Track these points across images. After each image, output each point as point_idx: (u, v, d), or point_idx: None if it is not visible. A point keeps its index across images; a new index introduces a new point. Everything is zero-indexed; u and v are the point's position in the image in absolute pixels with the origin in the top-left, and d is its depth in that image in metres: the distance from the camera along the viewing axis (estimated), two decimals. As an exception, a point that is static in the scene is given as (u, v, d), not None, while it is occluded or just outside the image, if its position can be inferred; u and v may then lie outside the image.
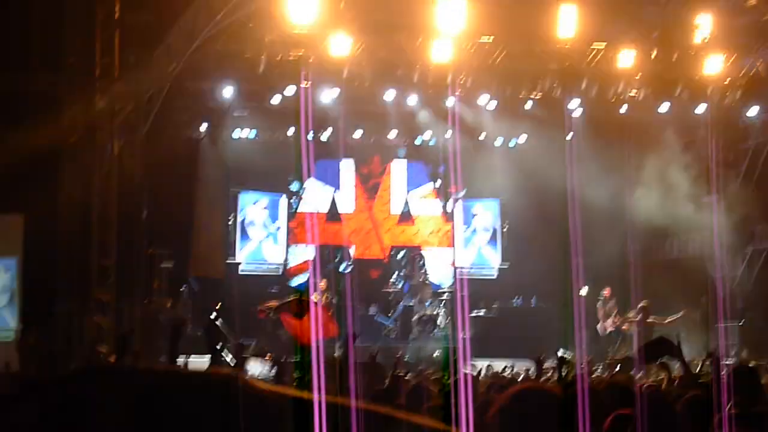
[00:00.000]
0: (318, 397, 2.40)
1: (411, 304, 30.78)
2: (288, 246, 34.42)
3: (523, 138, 33.38)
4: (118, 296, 24.30)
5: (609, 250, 31.85)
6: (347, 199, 35.27)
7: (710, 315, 30.40)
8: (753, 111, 28.86)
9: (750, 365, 17.15)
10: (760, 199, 29.32)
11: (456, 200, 35.66)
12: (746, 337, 28.48)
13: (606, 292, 30.38)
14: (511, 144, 33.77)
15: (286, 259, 33.96)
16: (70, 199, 23.74)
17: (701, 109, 29.33)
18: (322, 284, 29.01)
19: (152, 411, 1.60)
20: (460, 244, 35.73)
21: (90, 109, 24.12)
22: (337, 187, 35.12)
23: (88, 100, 24.12)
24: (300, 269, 33.92)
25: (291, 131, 32.48)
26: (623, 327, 28.32)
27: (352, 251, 34.86)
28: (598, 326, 30.01)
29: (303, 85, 27.33)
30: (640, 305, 25.38)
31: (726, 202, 29.64)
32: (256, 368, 18.57)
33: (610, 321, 29.63)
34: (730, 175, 30.58)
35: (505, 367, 21.62)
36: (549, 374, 19.06)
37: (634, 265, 34.72)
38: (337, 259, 34.35)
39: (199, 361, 20.96)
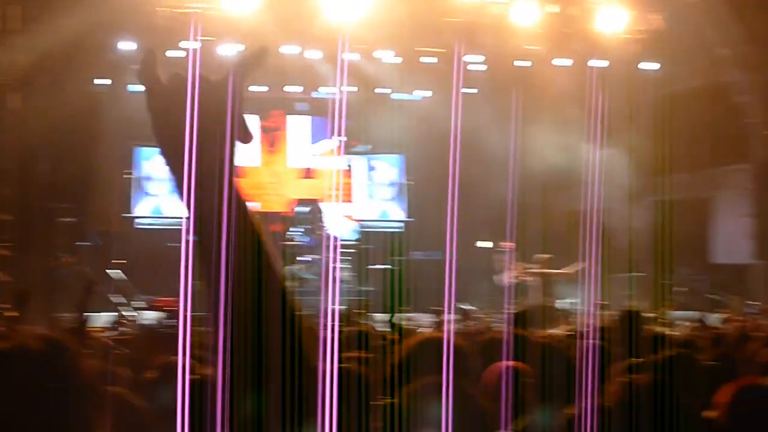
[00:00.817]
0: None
1: (315, 257, 30.78)
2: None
3: (427, 93, 33.41)
4: (17, 251, 24.03)
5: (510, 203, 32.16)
6: (251, 154, 35.14)
7: (608, 266, 30.91)
8: (652, 65, 29.22)
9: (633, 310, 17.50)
10: (656, 151, 29.71)
11: (358, 154, 35.72)
12: (641, 288, 28.93)
13: (505, 244, 30.70)
14: (415, 98, 33.80)
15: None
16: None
17: (600, 63, 29.61)
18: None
19: None
20: (363, 198, 35.83)
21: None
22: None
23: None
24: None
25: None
26: (522, 278, 28.64)
27: (254, 205, 34.76)
28: (495, 278, 30.36)
29: (194, 42, 27.13)
30: (538, 257, 25.66)
31: (622, 155, 30.03)
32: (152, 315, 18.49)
33: (508, 273, 29.97)
34: (627, 128, 30.96)
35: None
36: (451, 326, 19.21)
37: (515, 214, 35.21)
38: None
39: (102, 317, 20.83)
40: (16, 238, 24.11)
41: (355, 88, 33.03)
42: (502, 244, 30.79)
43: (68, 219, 28.15)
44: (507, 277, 29.98)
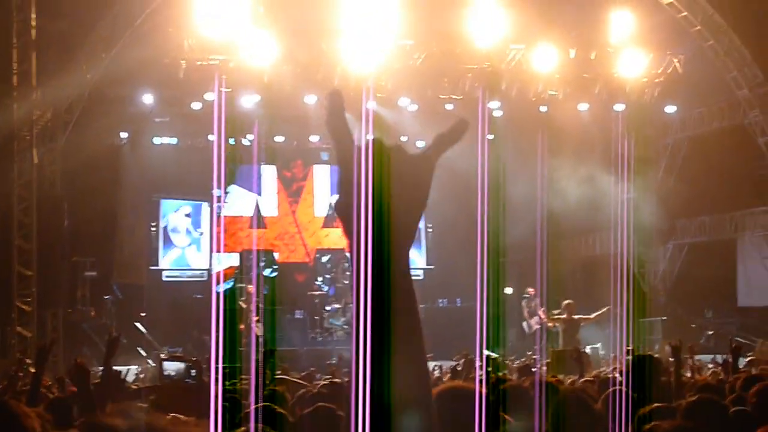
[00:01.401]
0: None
1: (337, 306, 30.69)
2: (212, 252, 34.31)
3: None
4: (40, 306, 24.04)
5: (532, 248, 32.09)
6: (270, 204, 35.21)
7: (634, 310, 30.76)
8: (671, 108, 29.20)
9: (649, 354, 17.39)
10: (679, 194, 29.66)
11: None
12: (669, 331, 28.78)
13: (531, 290, 30.64)
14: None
15: (210, 265, 33.85)
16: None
17: (620, 107, 29.60)
18: (250, 288, 28.99)
19: None
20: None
21: (8, 117, 23.85)
22: (259, 192, 35.06)
23: (6, 108, 23.84)
24: (226, 275, 33.78)
25: (212, 137, 32.36)
26: (549, 324, 28.47)
27: (276, 256, 34.81)
28: (524, 324, 30.24)
29: (221, 89, 27.20)
30: (564, 302, 25.55)
31: (647, 199, 29.95)
32: (173, 368, 18.34)
33: (535, 319, 29.84)
34: (650, 171, 30.92)
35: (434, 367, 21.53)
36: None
37: (544, 261, 35.08)
38: (262, 264, 34.26)
39: (125, 369, 20.80)
40: (41, 292, 24.12)
41: (375, 136, 33.04)
42: (528, 290, 30.73)
43: (92, 273, 28.20)
44: (535, 323, 29.90)
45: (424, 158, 2.54)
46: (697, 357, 23.91)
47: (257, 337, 22.94)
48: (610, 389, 7.60)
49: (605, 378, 11.82)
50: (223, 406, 6.39)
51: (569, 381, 12.50)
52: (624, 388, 9.84)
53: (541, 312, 29.59)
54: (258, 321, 26.79)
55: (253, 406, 7.25)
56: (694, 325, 30.80)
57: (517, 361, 21.50)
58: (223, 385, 9.31)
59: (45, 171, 25.17)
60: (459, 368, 19.97)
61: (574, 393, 7.90)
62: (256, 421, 6.71)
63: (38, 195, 24.56)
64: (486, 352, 26.16)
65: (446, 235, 33.95)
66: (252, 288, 29.20)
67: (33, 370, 12.03)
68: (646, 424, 6.07)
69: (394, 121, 31.79)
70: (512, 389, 8.62)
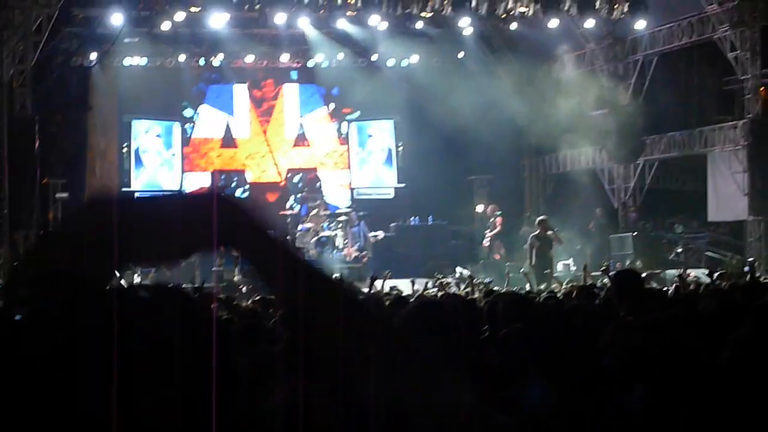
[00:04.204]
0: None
1: (308, 226, 30.73)
2: (183, 172, 34.31)
3: (414, 58, 33.37)
4: (12, 228, 24.01)
5: (503, 165, 32.30)
6: (241, 124, 35.15)
7: (604, 226, 31.01)
8: (641, 24, 29.17)
9: (632, 269, 17.60)
10: (649, 110, 29.73)
11: (350, 122, 35.77)
12: (639, 247, 29.01)
13: (488, 208, 30.82)
14: (404, 65, 33.72)
15: (181, 186, 33.82)
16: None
17: (590, 23, 29.56)
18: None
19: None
20: (356, 165, 35.86)
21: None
22: (230, 112, 34.99)
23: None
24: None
25: (182, 57, 32.21)
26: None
27: (248, 176, 34.83)
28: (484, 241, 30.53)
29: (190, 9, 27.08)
30: (538, 219, 25.64)
31: (616, 115, 30.01)
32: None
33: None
34: (619, 88, 30.98)
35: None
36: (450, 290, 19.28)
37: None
38: (233, 184, 34.29)
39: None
40: (12, 214, 24.08)
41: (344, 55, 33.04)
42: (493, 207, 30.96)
43: (63, 194, 28.12)
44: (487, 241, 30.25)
45: None
46: (668, 271, 24.21)
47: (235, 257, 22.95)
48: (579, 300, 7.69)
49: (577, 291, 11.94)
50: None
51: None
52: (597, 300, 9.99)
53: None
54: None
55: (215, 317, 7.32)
56: (664, 241, 31.05)
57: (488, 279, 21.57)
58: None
59: (15, 93, 25.00)
60: (432, 286, 20.16)
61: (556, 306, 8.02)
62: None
63: (8, 117, 24.42)
64: (458, 270, 26.45)
65: (416, 153, 34.00)
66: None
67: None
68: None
69: (364, 40, 31.73)
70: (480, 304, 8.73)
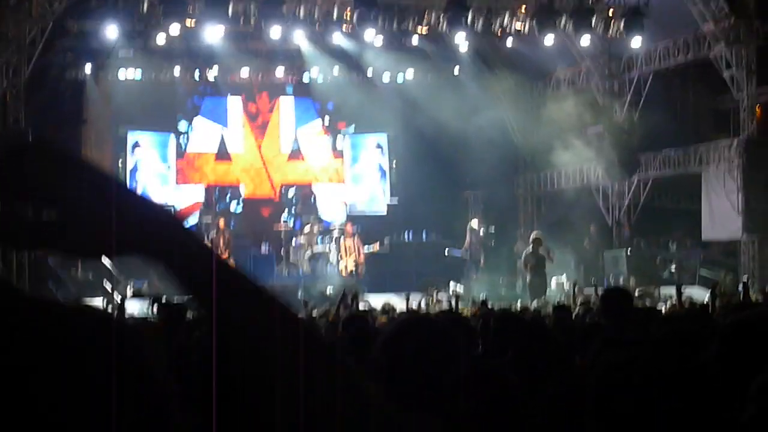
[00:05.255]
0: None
1: (302, 241, 30.68)
2: (177, 185, 34.26)
3: (410, 73, 33.40)
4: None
5: (498, 181, 32.29)
6: (236, 137, 35.11)
7: (598, 244, 30.98)
8: (636, 42, 29.15)
9: (622, 287, 17.58)
10: (644, 128, 29.72)
11: (345, 136, 35.76)
12: (633, 265, 28.98)
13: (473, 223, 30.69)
14: (399, 80, 33.73)
15: (175, 200, 33.80)
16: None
17: (585, 41, 29.54)
18: (221, 223, 29.00)
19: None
20: (350, 181, 35.83)
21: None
22: (225, 124, 34.95)
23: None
24: (190, 210, 33.74)
25: (177, 70, 32.19)
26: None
27: (242, 190, 34.78)
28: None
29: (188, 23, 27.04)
30: (533, 236, 25.58)
31: (611, 133, 30.03)
32: (135, 307, 18.22)
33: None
34: (615, 105, 31.01)
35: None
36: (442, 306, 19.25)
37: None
38: (227, 198, 34.27)
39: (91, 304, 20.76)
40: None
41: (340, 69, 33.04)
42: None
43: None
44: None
45: None
46: (662, 289, 24.20)
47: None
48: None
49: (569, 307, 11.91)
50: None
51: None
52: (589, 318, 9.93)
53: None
54: (229, 256, 26.80)
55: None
56: (658, 259, 31.00)
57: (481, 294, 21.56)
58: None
59: (8, 106, 24.95)
60: (425, 302, 20.14)
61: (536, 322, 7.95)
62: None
63: (1, 130, 24.36)
64: (452, 285, 26.40)
65: (410, 168, 34.02)
66: (222, 222, 29.19)
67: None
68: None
69: (360, 55, 31.75)
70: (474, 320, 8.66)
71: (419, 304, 20.43)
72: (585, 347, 5.71)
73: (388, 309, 15.75)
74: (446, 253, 30.17)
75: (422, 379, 3.74)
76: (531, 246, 24.82)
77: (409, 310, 17.07)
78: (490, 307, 14.87)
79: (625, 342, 5.11)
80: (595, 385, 3.13)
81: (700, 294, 20.27)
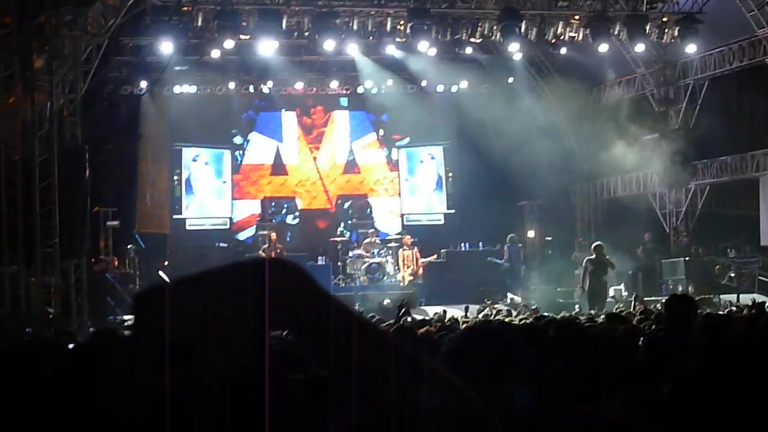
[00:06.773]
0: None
1: (359, 252, 30.68)
2: (233, 200, 34.41)
3: (464, 83, 33.37)
4: (63, 257, 24.06)
5: (553, 191, 32.16)
6: (291, 151, 35.23)
7: (652, 251, 30.79)
8: (691, 48, 28.94)
9: (684, 294, 17.41)
10: (700, 135, 29.52)
11: (399, 148, 35.78)
12: (691, 272, 28.74)
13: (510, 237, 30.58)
14: (453, 90, 33.70)
15: (232, 213, 34.00)
16: (10, 161, 23.42)
17: (640, 48, 29.37)
18: (273, 235, 29.11)
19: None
20: (406, 192, 35.84)
21: (28, 68, 23.79)
22: (280, 140, 35.08)
23: (25, 60, 23.77)
24: (246, 223, 33.92)
25: (232, 85, 32.36)
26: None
27: (298, 203, 34.88)
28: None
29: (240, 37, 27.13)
30: (594, 244, 25.39)
31: (667, 140, 29.88)
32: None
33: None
34: (670, 112, 30.84)
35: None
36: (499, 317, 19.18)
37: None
38: (284, 211, 34.39)
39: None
40: (63, 243, 24.11)
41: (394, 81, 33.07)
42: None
43: (114, 223, 28.29)
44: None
45: None
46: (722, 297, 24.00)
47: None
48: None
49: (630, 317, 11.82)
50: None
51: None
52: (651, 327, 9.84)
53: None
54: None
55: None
56: (716, 266, 30.73)
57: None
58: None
59: (65, 122, 25.12)
60: (483, 312, 20.09)
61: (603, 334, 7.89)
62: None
63: (59, 146, 24.53)
64: (509, 296, 26.33)
65: (466, 179, 33.99)
66: (274, 235, 29.31)
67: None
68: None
69: (414, 66, 31.77)
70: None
71: (477, 314, 20.37)
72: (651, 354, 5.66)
73: (439, 320, 15.72)
74: (488, 260, 30.11)
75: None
76: (592, 254, 24.69)
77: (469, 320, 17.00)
78: (545, 315, 14.81)
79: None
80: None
81: (760, 300, 20.05)
